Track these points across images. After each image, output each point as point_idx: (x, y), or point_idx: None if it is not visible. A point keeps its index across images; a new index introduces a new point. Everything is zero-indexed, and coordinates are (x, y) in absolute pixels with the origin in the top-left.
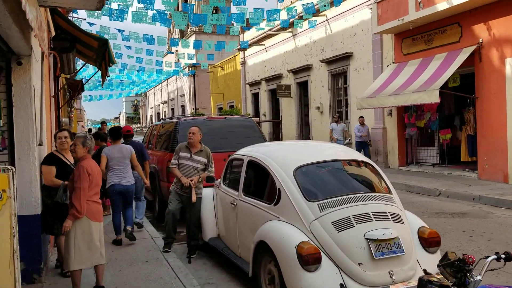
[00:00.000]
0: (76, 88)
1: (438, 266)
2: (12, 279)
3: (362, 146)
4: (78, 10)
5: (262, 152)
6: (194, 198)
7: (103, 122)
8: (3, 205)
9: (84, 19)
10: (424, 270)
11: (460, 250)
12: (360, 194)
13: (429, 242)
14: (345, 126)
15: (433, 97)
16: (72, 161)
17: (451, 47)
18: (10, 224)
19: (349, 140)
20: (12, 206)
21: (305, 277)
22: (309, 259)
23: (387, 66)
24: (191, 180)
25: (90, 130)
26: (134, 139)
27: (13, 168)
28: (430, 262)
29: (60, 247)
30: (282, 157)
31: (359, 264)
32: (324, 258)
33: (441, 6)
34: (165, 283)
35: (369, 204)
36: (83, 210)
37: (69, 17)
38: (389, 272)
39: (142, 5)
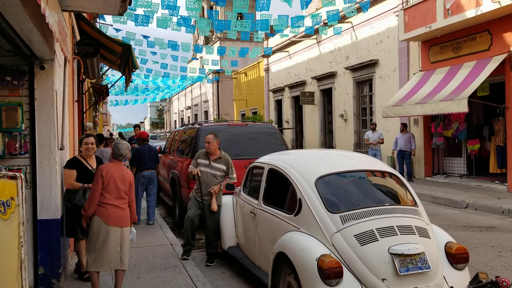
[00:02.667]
0: (101, 92)
1: None
2: None
3: (401, 155)
4: (105, 16)
5: (283, 160)
6: (214, 207)
7: (136, 126)
8: (11, 213)
9: (111, 25)
10: None
11: (489, 266)
12: (384, 207)
13: (456, 258)
14: (381, 134)
15: (462, 107)
16: (94, 166)
17: (480, 55)
18: (18, 233)
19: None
20: (20, 215)
21: None
22: (330, 273)
23: (414, 74)
24: (212, 189)
25: (111, 134)
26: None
27: (21, 175)
28: (458, 279)
29: (78, 251)
30: (304, 166)
31: (383, 279)
32: (346, 272)
33: (470, 13)
34: None
35: (394, 217)
36: (87, 209)
37: (95, 23)
38: None
39: (167, 11)
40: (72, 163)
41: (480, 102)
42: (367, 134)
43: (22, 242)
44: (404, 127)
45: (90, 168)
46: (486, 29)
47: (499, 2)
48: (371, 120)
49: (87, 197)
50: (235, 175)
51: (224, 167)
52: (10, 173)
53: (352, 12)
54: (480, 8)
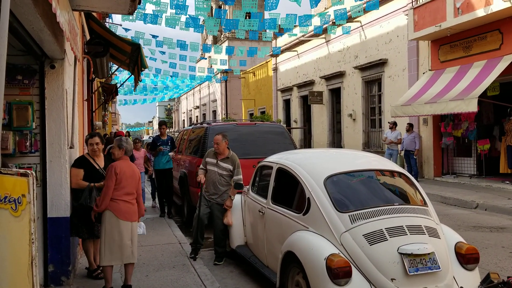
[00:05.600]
0: (110, 92)
1: None
2: (30, 287)
3: (407, 154)
4: (113, 16)
5: (292, 159)
6: (230, 221)
7: (163, 123)
8: (23, 211)
9: (120, 25)
10: None
11: (499, 267)
12: (393, 206)
13: (467, 258)
14: (399, 133)
15: (471, 106)
16: (102, 165)
17: (491, 54)
18: (29, 230)
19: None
20: (31, 212)
21: None
22: (339, 273)
23: (423, 73)
24: (225, 205)
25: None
26: None
27: (33, 172)
28: (468, 280)
29: (86, 250)
30: (313, 165)
31: (392, 279)
32: (354, 272)
33: (481, 12)
34: None
35: (403, 217)
36: (100, 205)
37: (105, 23)
38: None
39: (174, 11)
40: (80, 162)
41: (490, 101)
42: (386, 132)
43: (33, 239)
44: (410, 127)
45: (98, 168)
46: (496, 28)
47: (509, 1)
48: (380, 119)
49: (93, 196)
50: (240, 176)
51: (230, 167)
52: (22, 171)
53: (359, 12)
54: (490, 7)
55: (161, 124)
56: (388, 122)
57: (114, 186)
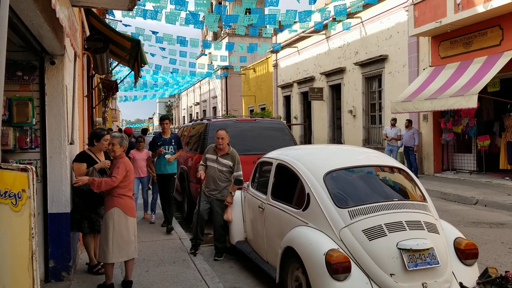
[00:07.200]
0: (110, 88)
1: (478, 283)
2: (30, 281)
3: (406, 151)
4: (114, 12)
5: (292, 155)
6: (230, 217)
7: (165, 118)
8: (23, 205)
9: (120, 21)
10: (460, 284)
11: (498, 262)
12: (393, 202)
13: (466, 254)
14: (399, 130)
15: (471, 102)
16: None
17: (491, 50)
18: (29, 224)
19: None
20: (31, 207)
21: (333, 286)
22: (338, 268)
23: (424, 69)
24: (226, 201)
25: (120, 130)
26: None
27: (33, 167)
28: (467, 275)
29: (87, 245)
30: (312, 161)
31: (391, 275)
32: (354, 267)
33: (481, 8)
34: (191, 286)
35: (403, 213)
36: (99, 187)
37: (105, 19)
38: (423, 285)
39: (174, 7)
40: (82, 157)
41: (490, 97)
42: (386, 129)
43: (33, 234)
44: (409, 123)
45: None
46: (497, 24)
47: None
48: (380, 116)
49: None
50: (240, 172)
51: (230, 163)
52: (22, 166)
53: (358, 7)
54: (490, 3)
55: (163, 118)
56: (391, 119)
57: (121, 182)
